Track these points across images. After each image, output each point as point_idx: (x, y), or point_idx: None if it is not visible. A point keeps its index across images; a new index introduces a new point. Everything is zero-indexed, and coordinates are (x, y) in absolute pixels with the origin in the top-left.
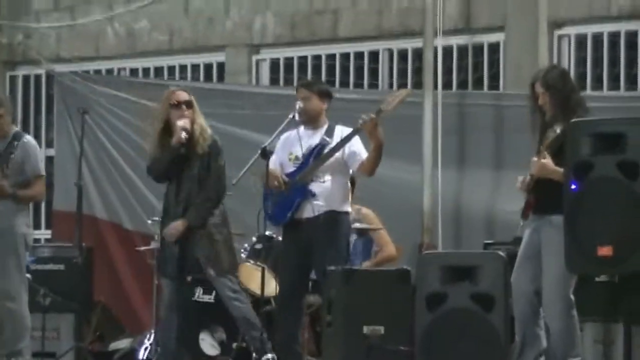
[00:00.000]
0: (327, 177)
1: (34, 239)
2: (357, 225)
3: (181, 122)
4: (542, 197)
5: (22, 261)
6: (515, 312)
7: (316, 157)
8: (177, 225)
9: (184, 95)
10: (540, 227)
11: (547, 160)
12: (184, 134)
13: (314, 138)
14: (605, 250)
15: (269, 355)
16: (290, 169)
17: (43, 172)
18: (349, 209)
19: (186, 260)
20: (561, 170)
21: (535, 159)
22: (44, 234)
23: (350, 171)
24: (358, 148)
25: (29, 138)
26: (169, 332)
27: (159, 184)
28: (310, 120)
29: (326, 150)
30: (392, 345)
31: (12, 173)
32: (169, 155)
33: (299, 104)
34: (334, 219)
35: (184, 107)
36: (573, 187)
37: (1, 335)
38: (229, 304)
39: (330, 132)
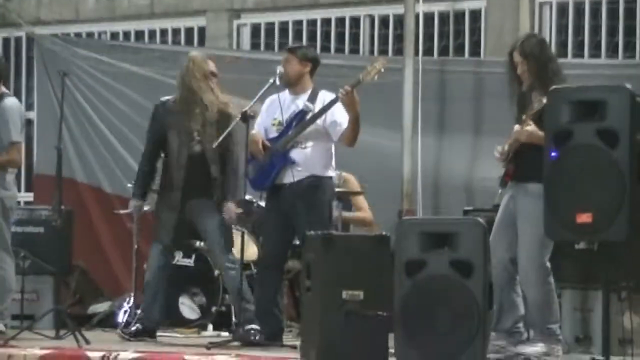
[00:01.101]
0: (309, 144)
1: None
2: (337, 189)
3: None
4: (520, 165)
5: (2, 225)
6: (492, 279)
7: (298, 123)
8: (234, 208)
9: (210, 65)
10: (518, 194)
11: (533, 127)
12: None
13: (296, 103)
14: (584, 217)
15: (254, 326)
16: (274, 134)
17: (18, 139)
18: (331, 174)
19: (183, 229)
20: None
21: (517, 127)
22: (24, 196)
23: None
24: (339, 117)
25: (8, 101)
26: (154, 297)
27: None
28: (290, 84)
29: (308, 117)
30: (371, 311)
31: None
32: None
33: (280, 67)
34: (315, 184)
35: (214, 79)
36: (552, 154)
37: None
38: (225, 274)
39: (313, 98)
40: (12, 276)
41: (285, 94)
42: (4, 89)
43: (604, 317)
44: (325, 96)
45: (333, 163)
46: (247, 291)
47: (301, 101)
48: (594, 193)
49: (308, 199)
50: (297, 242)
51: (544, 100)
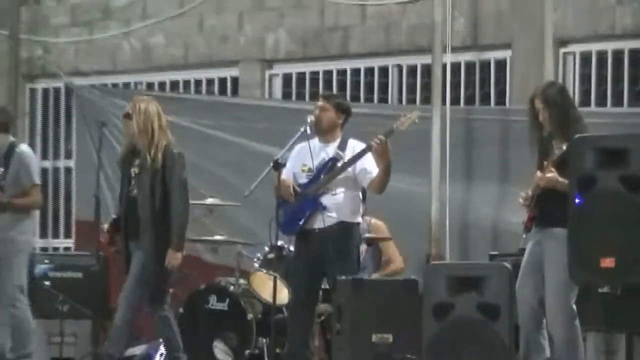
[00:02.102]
0: (339, 190)
1: (53, 247)
2: (366, 235)
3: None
4: (544, 210)
5: (23, 267)
6: (519, 322)
7: (328, 170)
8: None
9: (128, 106)
10: (543, 239)
11: (554, 174)
12: None
13: (326, 151)
14: (607, 262)
15: None
16: (303, 179)
17: (38, 181)
18: (360, 220)
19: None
20: (566, 182)
21: (539, 173)
22: (63, 242)
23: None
24: (369, 165)
25: (23, 148)
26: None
27: None
28: (323, 132)
29: (339, 164)
30: (400, 354)
31: (9, 184)
32: None
33: (311, 116)
34: (345, 230)
35: (125, 120)
36: (577, 200)
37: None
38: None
39: (343, 146)
40: (29, 317)
41: (315, 142)
42: (12, 138)
43: (627, 359)
44: (354, 144)
45: (361, 209)
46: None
47: (331, 149)
48: (617, 238)
49: (338, 244)
50: (326, 286)
51: (564, 147)
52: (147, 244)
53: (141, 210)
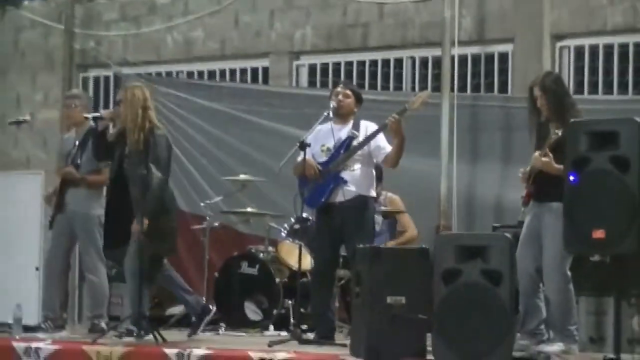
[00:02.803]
0: (356, 166)
1: None
2: (383, 208)
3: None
4: (542, 187)
5: (97, 239)
6: (519, 287)
7: (346, 148)
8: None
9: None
10: (540, 213)
11: (550, 159)
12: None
13: (343, 132)
14: (598, 234)
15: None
16: (322, 159)
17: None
18: (374, 194)
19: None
20: (560, 167)
21: (536, 154)
22: None
23: (375, 161)
24: (382, 142)
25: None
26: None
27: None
28: (343, 116)
29: (354, 143)
30: (412, 314)
31: (84, 162)
32: None
33: (334, 102)
34: (362, 203)
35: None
36: (572, 178)
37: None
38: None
39: (356, 127)
40: (106, 283)
41: (332, 125)
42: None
43: (616, 320)
44: (367, 124)
45: (375, 184)
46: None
47: (347, 130)
48: (607, 212)
49: (357, 216)
50: (344, 254)
51: (559, 133)
52: (142, 216)
53: (132, 189)
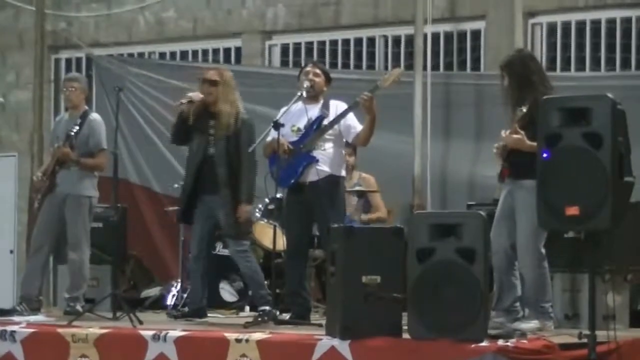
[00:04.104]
0: (327, 146)
1: None
2: (357, 188)
3: (190, 93)
4: (515, 164)
5: (86, 220)
6: (493, 264)
7: (317, 127)
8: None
9: (209, 74)
10: (514, 190)
11: (521, 136)
12: (184, 99)
13: (313, 111)
14: (572, 210)
15: (267, 307)
16: (293, 138)
17: (105, 146)
18: (344, 173)
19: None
20: (532, 144)
21: (504, 132)
22: None
23: (345, 141)
24: (353, 121)
25: (95, 116)
26: (196, 280)
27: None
28: (314, 96)
29: (325, 122)
30: (387, 293)
31: (78, 145)
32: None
33: (307, 82)
34: (333, 183)
35: (206, 84)
36: (545, 155)
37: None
38: (236, 260)
39: (326, 106)
40: (87, 264)
41: (300, 105)
42: (86, 107)
43: (590, 296)
44: (337, 104)
45: (344, 164)
46: (260, 275)
47: (317, 109)
48: (581, 189)
49: (329, 195)
50: (316, 233)
51: (524, 109)
52: (226, 198)
53: (219, 168)
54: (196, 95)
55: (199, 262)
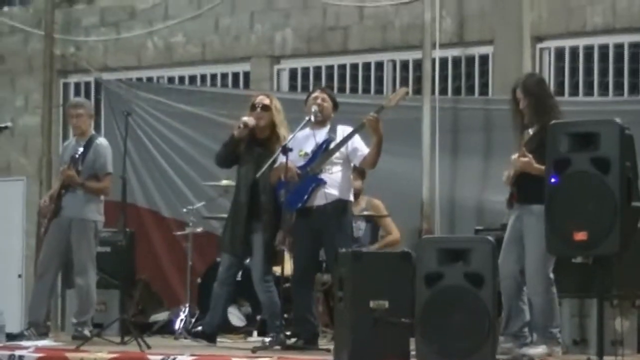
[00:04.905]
0: (335, 169)
1: None
2: (366, 213)
3: (244, 118)
4: (524, 189)
5: (91, 244)
6: (501, 289)
7: (324, 151)
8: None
9: (260, 98)
10: (523, 215)
11: (529, 159)
12: (241, 124)
13: (320, 135)
14: (580, 236)
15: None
16: (301, 163)
17: (110, 170)
18: (352, 198)
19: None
20: (540, 167)
21: (514, 156)
22: None
23: (352, 165)
24: (359, 144)
25: (101, 140)
26: (219, 305)
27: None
28: (323, 121)
29: (332, 145)
30: (395, 318)
31: (84, 169)
32: (227, 140)
33: (315, 107)
34: (341, 207)
35: (258, 109)
36: (553, 180)
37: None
38: (258, 289)
39: (333, 130)
40: (94, 288)
41: (307, 130)
42: (93, 131)
43: (598, 322)
44: (343, 128)
45: (352, 188)
46: (278, 306)
47: (323, 134)
48: (589, 214)
49: (336, 220)
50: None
51: (531, 132)
52: (269, 225)
53: (263, 194)
54: (250, 119)
55: (224, 288)
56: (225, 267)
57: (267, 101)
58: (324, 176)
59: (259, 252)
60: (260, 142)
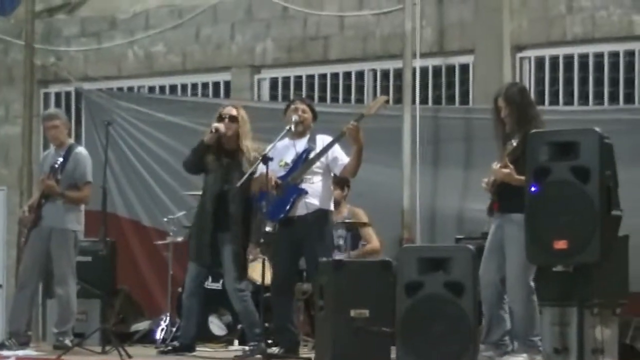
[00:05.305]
0: (315, 179)
1: None
2: (347, 221)
3: (215, 124)
4: (505, 198)
5: (71, 254)
6: (482, 298)
7: (304, 161)
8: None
9: (227, 109)
10: (504, 224)
11: (510, 170)
12: (213, 129)
13: (300, 145)
14: (561, 244)
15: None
16: (281, 173)
17: (90, 179)
18: (332, 207)
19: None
20: (521, 178)
21: (495, 164)
22: None
23: (332, 174)
24: (339, 154)
25: (80, 149)
26: (192, 316)
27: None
28: (303, 131)
29: (312, 155)
30: (376, 327)
31: (64, 178)
32: (196, 146)
33: (296, 117)
34: (321, 217)
35: (226, 120)
36: (533, 189)
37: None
38: (232, 298)
39: (313, 140)
40: (74, 298)
41: (287, 140)
42: (71, 140)
43: (579, 330)
44: (323, 138)
45: (332, 197)
46: (255, 314)
47: (304, 143)
48: (569, 222)
49: (316, 230)
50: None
51: (514, 143)
52: (236, 236)
53: (232, 204)
54: (221, 125)
55: (193, 299)
56: (192, 277)
57: (234, 112)
58: (305, 186)
59: (229, 263)
60: (227, 153)
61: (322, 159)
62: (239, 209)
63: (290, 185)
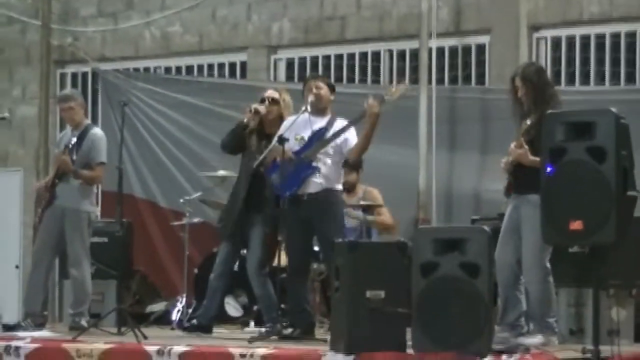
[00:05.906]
0: (327, 160)
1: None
2: (362, 202)
3: (254, 104)
4: (521, 178)
5: (85, 236)
6: (498, 279)
7: (319, 139)
8: None
9: (270, 92)
10: (520, 205)
11: (524, 151)
12: (252, 108)
13: (318, 123)
14: (576, 225)
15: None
16: (296, 147)
17: (103, 160)
18: (341, 187)
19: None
20: (535, 159)
21: (513, 145)
22: None
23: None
24: (351, 136)
25: (96, 130)
26: (216, 297)
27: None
28: (321, 108)
29: (329, 134)
30: (392, 308)
31: (79, 158)
32: (235, 126)
33: (311, 96)
34: (332, 197)
35: (267, 102)
36: (548, 169)
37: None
38: (253, 282)
39: (332, 122)
40: (89, 279)
41: (306, 115)
42: (87, 120)
43: (594, 311)
44: (343, 123)
45: (341, 178)
46: (274, 298)
47: (321, 122)
48: (585, 203)
49: (326, 209)
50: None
51: (529, 122)
52: (268, 220)
53: (267, 188)
54: (261, 106)
55: (221, 281)
56: (223, 259)
57: (276, 95)
58: (318, 164)
59: (256, 245)
60: (268, 136)
61: (337, 140)
62: (271, 192)
63: (304, 162)
